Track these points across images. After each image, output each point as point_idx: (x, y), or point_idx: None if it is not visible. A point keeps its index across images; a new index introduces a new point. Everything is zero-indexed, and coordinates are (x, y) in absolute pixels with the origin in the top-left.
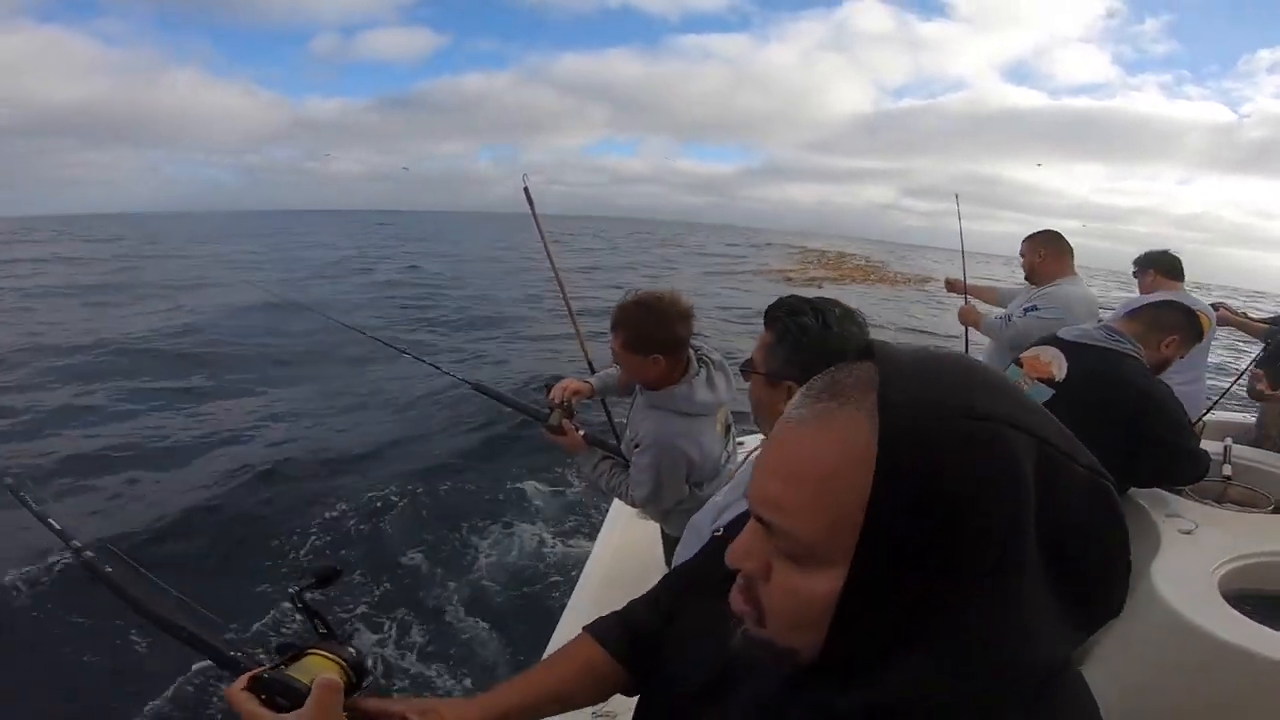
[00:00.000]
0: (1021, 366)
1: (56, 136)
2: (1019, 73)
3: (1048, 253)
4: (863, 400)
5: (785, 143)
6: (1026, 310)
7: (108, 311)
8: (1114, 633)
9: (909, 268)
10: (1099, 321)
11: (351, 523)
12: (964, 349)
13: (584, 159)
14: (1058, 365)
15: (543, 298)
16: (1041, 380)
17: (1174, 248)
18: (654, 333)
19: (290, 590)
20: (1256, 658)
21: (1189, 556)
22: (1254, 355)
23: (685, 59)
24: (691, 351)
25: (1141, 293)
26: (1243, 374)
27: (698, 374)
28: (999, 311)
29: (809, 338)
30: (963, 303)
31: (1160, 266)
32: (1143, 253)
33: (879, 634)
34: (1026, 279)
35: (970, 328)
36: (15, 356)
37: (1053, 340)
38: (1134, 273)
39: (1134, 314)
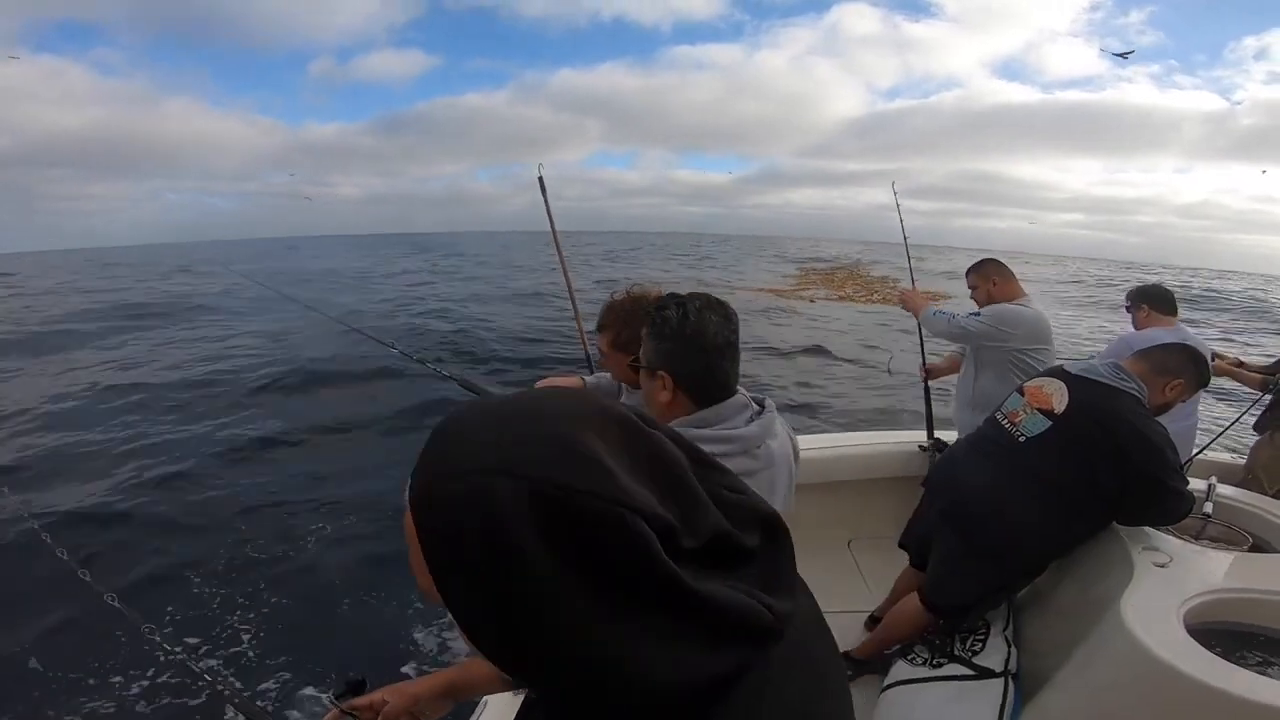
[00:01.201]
0: (1023, 395)
1: (59, 168)
2: (1010, 69)
3: (1000, 280)
4: None
5: (782, 149)
6: (971, 314)
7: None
8: (1078, 658)
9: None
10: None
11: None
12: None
13: (582, 173)
14: (1059, 397)
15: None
16: (1041, 410)
17: (1180, 235)
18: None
19: (327, 699)
20: (1212, 691)
21: (1159, 589)
22: (1255, 401)
23: (679, 70)
24: None
25: (1135, 328)
26: (1238, 419)
27: None
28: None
29: (670, 328)
30: (923, 448)
31: (1153, 301)
32: (1135, 287)
33: (506, 664)
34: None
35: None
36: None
37: (1058, 372)
38: (1126, 307)
39: (1142, 355)
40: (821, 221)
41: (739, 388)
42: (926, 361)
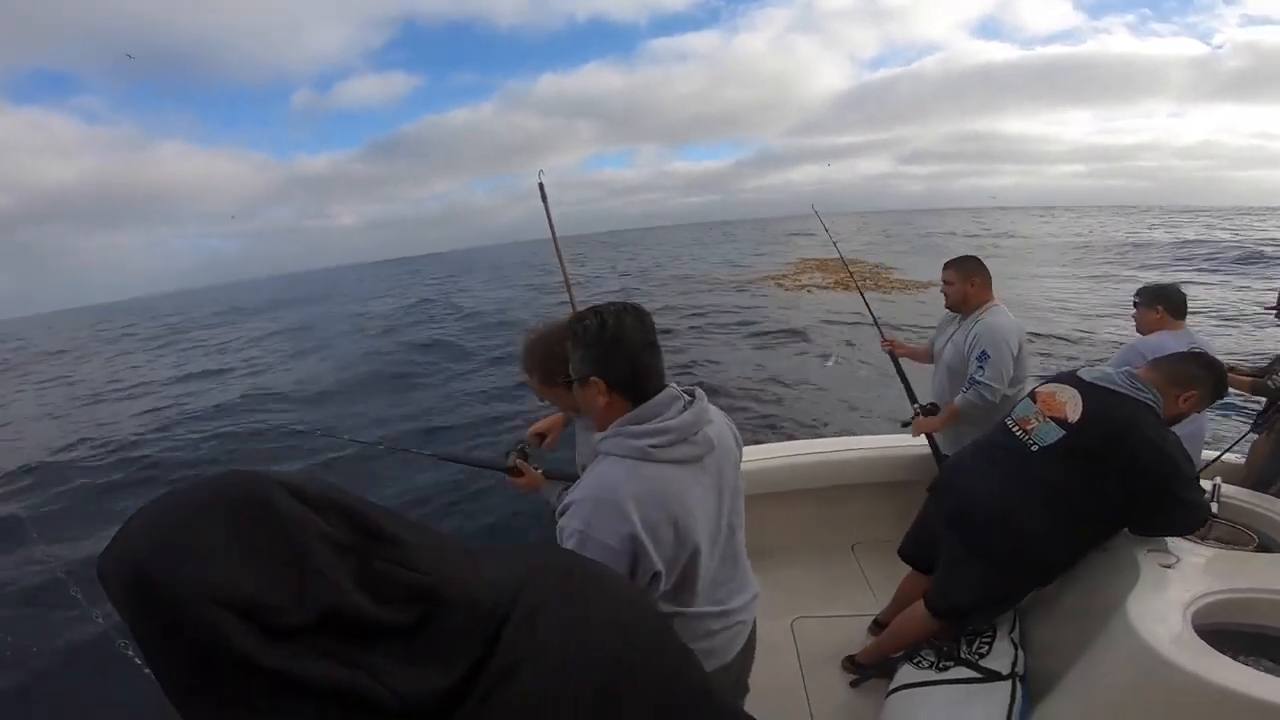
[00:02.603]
0: (1036, 402)
1: (58, 222)
2: (988, 28)
3: (980, 282)
4: None
5: (774, 130)
6: (982, 361)
7: None
8: (1085, 660)
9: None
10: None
11: None
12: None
13: (581, 176)
14: (1073, 406)
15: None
16: (1054, 419)
17: (1185, 176)
18: (566, 362)
19: None
20: (1222, 691)
21: (1165, 590)
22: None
23: (662, 63)
24: None
25: (1141, 328)
26: (1245, 435)
27: None
28: (932, 359)
29: (591, 335)
30: (914, 415)
31: (1169, 303)
32: (1147, 286)
33: None
34: (952, 307)
35: (949, 424)
36: None
37: (1071, 379)
38: (1135, 303)
39: (1156, 364)
40: (822, 197)
41: (670, 383)
42: (887, 337)
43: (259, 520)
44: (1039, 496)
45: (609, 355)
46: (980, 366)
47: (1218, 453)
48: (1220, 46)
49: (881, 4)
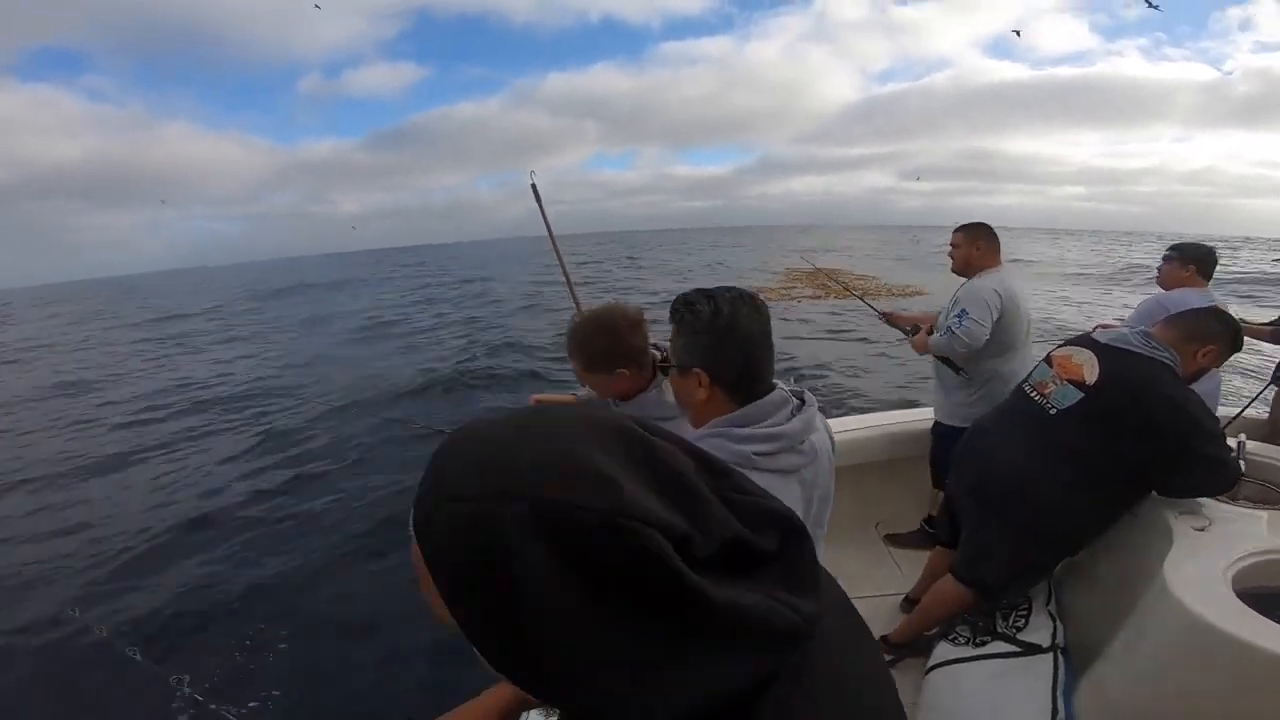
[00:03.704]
0: (1052, 365)
1: (66, 199)
2: (1000, 48)
3: (984, 247)
4: None
5: (779, 138)
6: (960, 317)
7: None
8: (1127, 629)
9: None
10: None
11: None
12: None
13: (582, 176)
14: (1089, 368)
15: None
16: (1071, 382)
17: (1186, 202)
18: (612, 348)
19: None
20: (1270, 654)
21: (1202, 554)
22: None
23: (671, 66)
24: (657, 353)
25: (1166, 285)
26: (1266, 388)
27: (666, 378)
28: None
29: (701, 322)
30: (906, 335)
31: (1201, 264)
32: (1184, 243)
33: (526, 687)
34: (957, 271)
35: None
36: None
37: (1087, 341)
38: (1166, 256)
39: (1172, 322)
40: (824, 209)
41: (777, 382)
42: (884, 313)
43: (642, 449)
44: (1059, 460)
45: (720, 346)
46: (959, 321)
47: (1238, 409)
48: (1231, 72)
49: (895, 18)
